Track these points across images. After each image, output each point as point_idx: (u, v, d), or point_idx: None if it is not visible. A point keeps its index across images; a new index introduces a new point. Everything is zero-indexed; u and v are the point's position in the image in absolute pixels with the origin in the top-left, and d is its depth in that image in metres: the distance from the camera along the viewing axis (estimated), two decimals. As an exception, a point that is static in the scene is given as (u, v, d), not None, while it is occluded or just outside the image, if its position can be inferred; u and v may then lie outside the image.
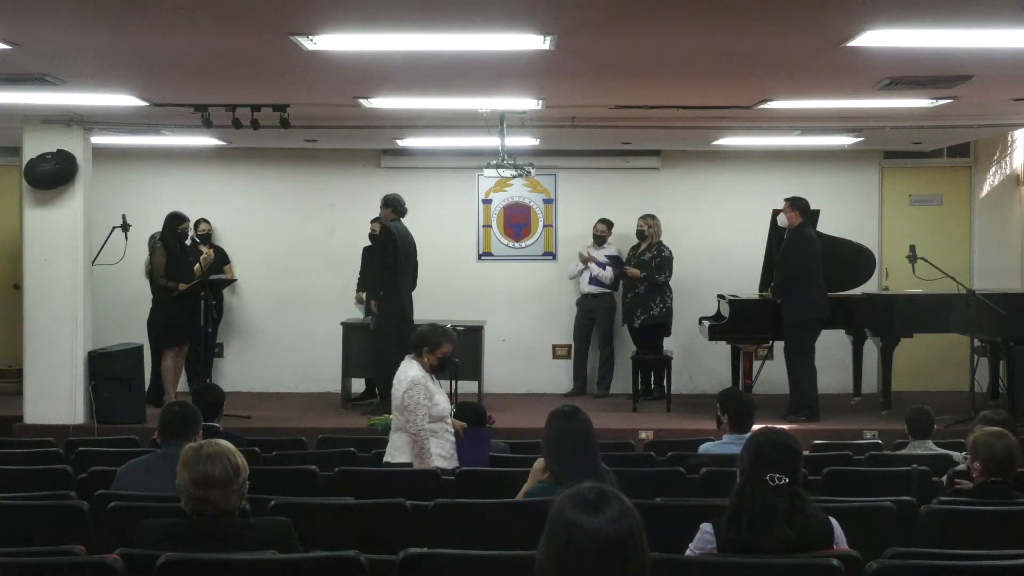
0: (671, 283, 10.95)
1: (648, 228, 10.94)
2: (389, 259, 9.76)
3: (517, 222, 11.86)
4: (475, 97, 7.96)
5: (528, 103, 8.12)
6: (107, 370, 9.51)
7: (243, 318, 11.90)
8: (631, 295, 10.91)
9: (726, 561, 3.54)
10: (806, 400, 9.66)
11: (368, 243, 10.97)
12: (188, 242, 10.56)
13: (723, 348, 10.56)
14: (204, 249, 10.66)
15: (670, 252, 10.88)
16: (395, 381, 6.30)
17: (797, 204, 9.69)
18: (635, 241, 11.10)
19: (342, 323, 10.61)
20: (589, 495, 2.31)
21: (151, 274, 10.23)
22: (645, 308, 10.79)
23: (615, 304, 11.30)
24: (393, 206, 9.98)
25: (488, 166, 9.46)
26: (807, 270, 9.60)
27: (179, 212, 10.29)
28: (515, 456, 6.39)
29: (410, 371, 6.26)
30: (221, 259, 11.27)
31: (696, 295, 11.16)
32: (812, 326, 9.69)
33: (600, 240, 11.23)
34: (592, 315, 11.26)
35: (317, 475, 5.58)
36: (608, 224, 11.28)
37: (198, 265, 10.10)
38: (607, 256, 11.16)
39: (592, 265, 11.12)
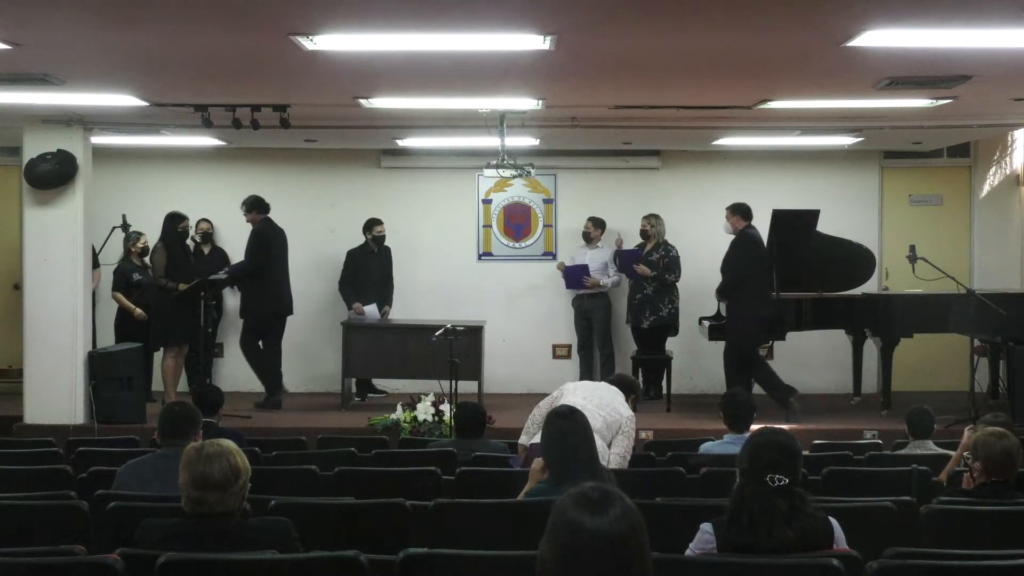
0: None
1: (651, 228, 10.93)
2: (262, 258, 10.33)
3: (517, 222, 11.86)
4: (475, 97, 7.96)
5: (528, 103, 8.12)
6: (107, 370, 9.52)
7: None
8: (639, 296, 10.85)
9: (726, 561, 3.54)
10: (771, 385, 9.75)
11: (352, 247, 11.11)
12: (189, 241, 10.55)
13: (723, 348, 10.54)
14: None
15: (677, 252, 10.87)
16: (619, 406, 6.14)
17: (738, 209, 9.88)
18: (639, 241, 11.08)
19: (342, 323, 10.61)
20: (592, 495, 2.31)
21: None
22: (654, 309, 10.75)
23: (610, 303, 11.28)
24: (257, 207, 10.43)
25: (488, 166, 9.46)
26: (749, 273, 9.68)
27: (178, 212, 10.30)
28: (515, 456, 6.40)
29: (627, 409, 6.19)
30: (221, 260, 11.25)
31: (696, 295, 11.15)
32: (754, 326, 9.72)
33: (587, 239, 11.19)
34: (588, 315, 11.23)
35: (317, 475, 5.58)
36: (596, 222, 11.20)
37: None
38: (626, 250, 11.03)
39: (601, 277, 11.06)
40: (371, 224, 11.08)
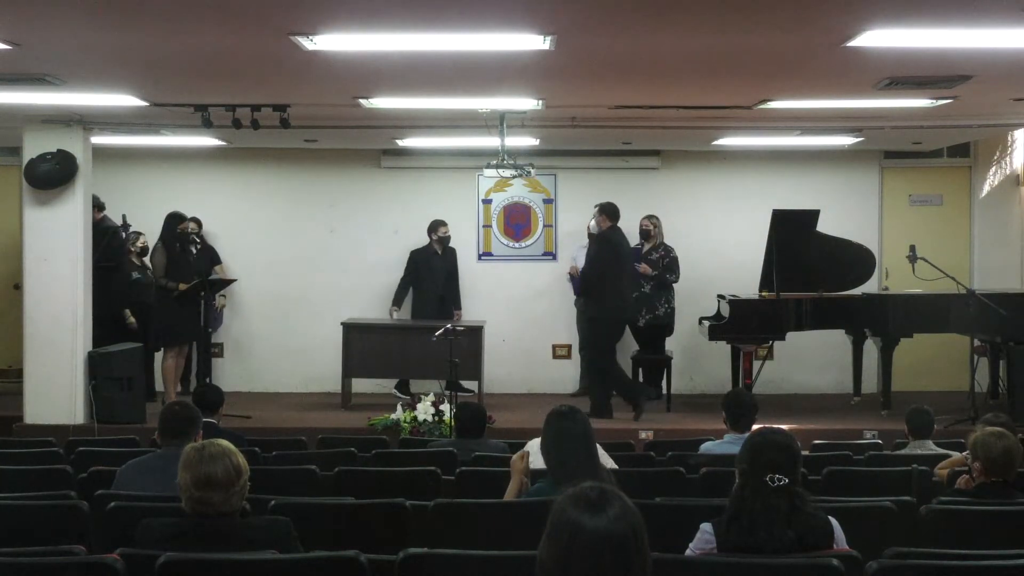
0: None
1: (654, 228, 10.94)
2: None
3: (517, 222, 11.86)
4: (475, 97, 7.96)
5: (528, 103, 8.12)
6: (107, 370, 9.51)
7: (243, 318, 11.90)
8: (637, 294, 10.85)
9: (726, 561, 3.54)
10: (599, 397, 9.79)
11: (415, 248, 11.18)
12: (189, 241, 10.54)
13: (723, 348, 10.55)
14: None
15: (676, 253, 10.88)
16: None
17: (605, 209, 10.01)
18: (638, 240, 11.07)
19: (342, 323, 10.60)
20: (591, 494, 2.31)
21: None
22: (650, 308, 10.74)
23: None
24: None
25: (488, 166, 9.46)
26: (605, 272, 9.75)
27: (178, 212, 10.29)
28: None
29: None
30: (212, 259, 11.23)
31: (696, 295, 11.16)
32: (610, 325, 9.74)
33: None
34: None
35: (317, 475, 5.58)
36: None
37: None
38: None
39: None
40: (436, 225, 11.15)
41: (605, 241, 9.93)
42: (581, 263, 10.90)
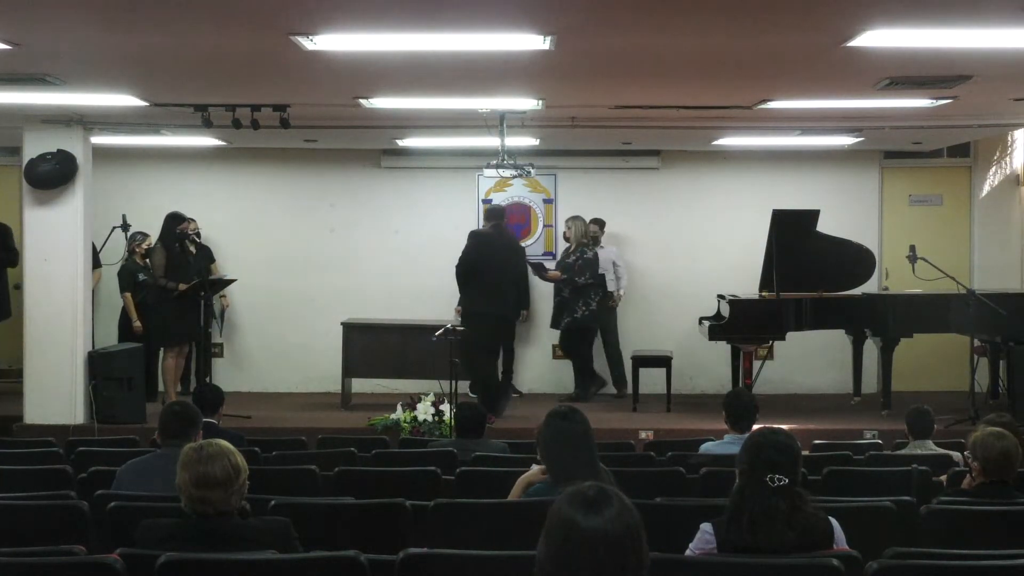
0: (617, 285, 11.11)
1: (568, 231, 10.97)
2: None
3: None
4: (475, 97, 7.96)
5: (528, 103, 8.12)
6: (107, 370, 9.52)
7: (243, 318, 11.90)
8: (557, 299, 10.90)
9: (726, 561, 3.54)
10: (479, 389, 9.77)
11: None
12: (190, 241, 10.54)
13: (723, 348, 10.56)
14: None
15: (594, 254, 10.79)
16: None
17: (487, 211, 10.25)
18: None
19: (342, 323, 10.60)
20: (589, 493, 2.32)
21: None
22: (570, 311, 10.72)
23: (615, 305, 11.28)
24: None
25: (488, 166, 9.45)
26: (467, 268, 9.80)
27: (178, 212, 10.30)
28: (515, 456, 6.39)
29: None
30: (207, 258, 11.21)
31: (696, 295, 11.16)
32: (475, 320, 9.71)
33: (595, 241, 11.17)
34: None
35: (317, 475, 5.58)
36: (600, 224, 11.19)
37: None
38: (531, 262, 10.91)
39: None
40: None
41: (472, 238, 9.98)
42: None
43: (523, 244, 11.82)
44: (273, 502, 4.51)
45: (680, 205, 11.74)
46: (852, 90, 7.54)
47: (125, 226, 10.65)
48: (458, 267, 9.90)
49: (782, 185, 11.54)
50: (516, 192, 11.91)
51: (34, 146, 9.42)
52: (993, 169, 11.76)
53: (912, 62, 6.41)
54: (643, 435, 9.10)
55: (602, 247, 11.15)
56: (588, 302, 10.75)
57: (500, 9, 5.19)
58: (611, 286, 11.13)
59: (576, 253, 10.79)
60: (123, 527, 4.12)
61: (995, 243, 11.66)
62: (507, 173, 9.55)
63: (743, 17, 5.28)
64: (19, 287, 9.98)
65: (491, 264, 9.81)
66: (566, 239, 11.03)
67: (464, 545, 3.89)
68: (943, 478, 5.51)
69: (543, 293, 11.66)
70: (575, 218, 10.95)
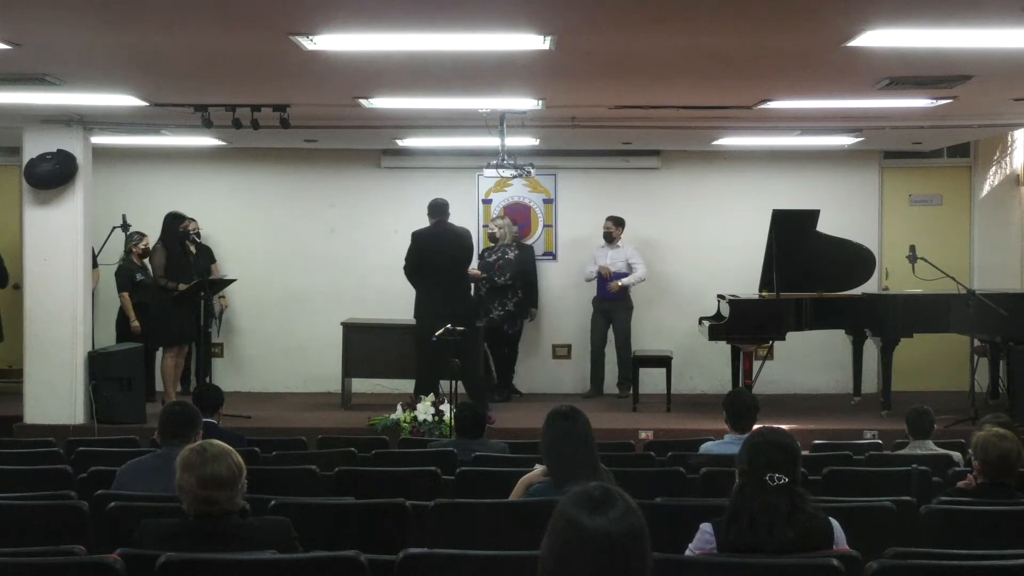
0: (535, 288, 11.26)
1: (498, 230, 10.98)
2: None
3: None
4: (475, 97, 7.96)
5: (528, 103, 8.12)
6: (107, 370, 9.52)
7: (243, 318, 11.90)
8: (475, 297, 10.80)
9: (726, 561, 3.54)
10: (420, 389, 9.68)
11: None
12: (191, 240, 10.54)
13: (723, 348, 10.55)
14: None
15: (515, 254, 10.79)
16: None
17: (429, 206, 10.01)
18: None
19: (342, 323, 10.60)
20: (595, 494, 2.31)
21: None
22: (487, 311, 10.72)
23: (632, 304, 11.26)
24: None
25: (488, 166, 9.46)
26: (411, 269, 9.83)
27: (178, 212, 10.29)
28: (515, 456, 6.39)
29: None
30: (208, 258, 11.21)
31: (696, 295, 11.16)
32: (420, 319, 9.73)
33: (609, 239, 11.16)
34: (609, 315, 11.19)
35: (317, 475, 5.58)
36: (617, 221, 11.13)
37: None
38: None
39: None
40: None
41: (414, 239, 9.92)
42: (601, 263, 11.02)
43: (527, 242, 11.84)
44: (273, 502, 4.51)
45: (680, 205, 11.73)
46: (852, 90, 7.54)
47: (125, 226, 10.65)
48: (404, 269, 9.88)
49: (782, 185, 11.54)
50: (516, 192, 11.92)
51: (34, 146, 9.42)
52: (993, 169, 11.76)
53: (912, 62, 6.41)
54: (643, 435, 9.10)
55: (619, 246, 11.12)
56: (504, 302, 10.76)
57: (500, 9, 5.19)
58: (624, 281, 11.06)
59: (498, 252, 10.79)
60: (123, 527, 4.12)
61: (995, 243, 11.66)
62: (507, 173, 9.55)
63: (743, 17, 5.28)
64: (19, 287, 9.97)
65: (435, 262, 9.75)
66: (493, 240, 11.00)
67: (464, 545, 3.89)
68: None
69: (540, 293, 11.67)
70: (503, 218, 11.03)
